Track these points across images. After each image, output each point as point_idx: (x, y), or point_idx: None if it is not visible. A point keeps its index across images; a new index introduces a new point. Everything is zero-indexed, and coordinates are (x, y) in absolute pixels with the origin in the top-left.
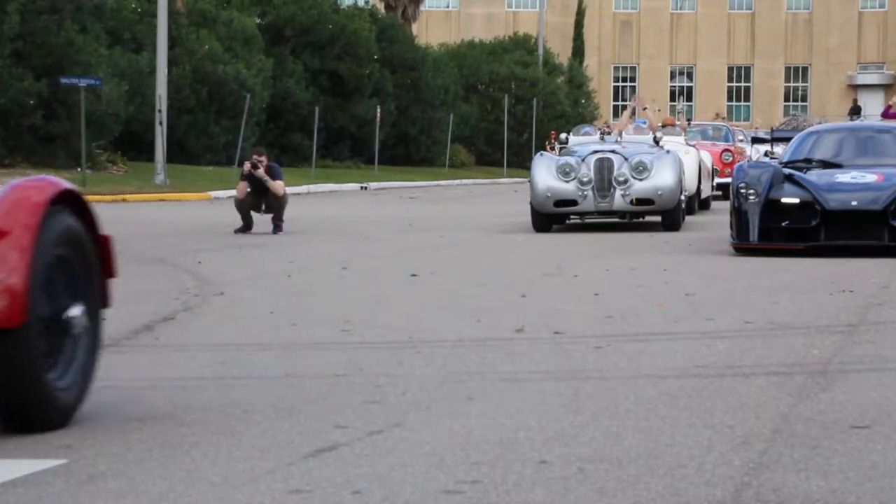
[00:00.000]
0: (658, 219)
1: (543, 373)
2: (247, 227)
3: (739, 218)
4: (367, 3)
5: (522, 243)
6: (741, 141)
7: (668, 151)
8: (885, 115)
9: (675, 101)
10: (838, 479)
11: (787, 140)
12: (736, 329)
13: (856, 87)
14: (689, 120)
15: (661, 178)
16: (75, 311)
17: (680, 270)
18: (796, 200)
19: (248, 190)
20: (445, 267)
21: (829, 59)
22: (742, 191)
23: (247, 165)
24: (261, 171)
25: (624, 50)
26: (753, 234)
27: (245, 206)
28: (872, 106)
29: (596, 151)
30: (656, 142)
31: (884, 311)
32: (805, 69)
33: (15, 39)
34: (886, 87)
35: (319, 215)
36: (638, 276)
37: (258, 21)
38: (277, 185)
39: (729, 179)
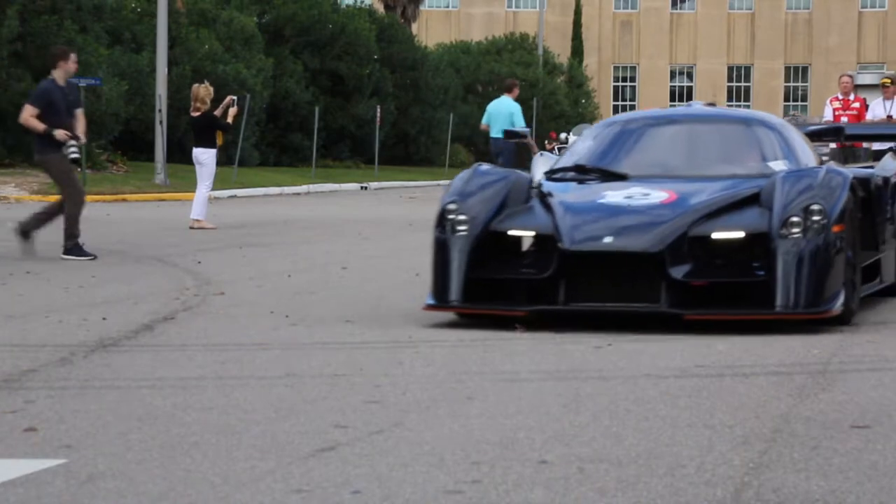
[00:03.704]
0: None
1: (543, 373)
2: None
3: (438, 262)
4: (363, 2)
5: None
6: None
7: None
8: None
9: (674, 101)
10: (838, 479)
11: None
12: (736, 329)
13: (856, 88)
14: None
15: None
16: None
17: None
18: (529, 234)
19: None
20: None
21: (829, 59)
22: (449, 216)
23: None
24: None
25: (624, 50)
26: (454, 289)
27: None
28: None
29: None
30: None
31: (884, 312)
32: (805, 69)
33: (14, 41)
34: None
35: (319, 215)
36: None
37: (257, 21)
38: None
39: None
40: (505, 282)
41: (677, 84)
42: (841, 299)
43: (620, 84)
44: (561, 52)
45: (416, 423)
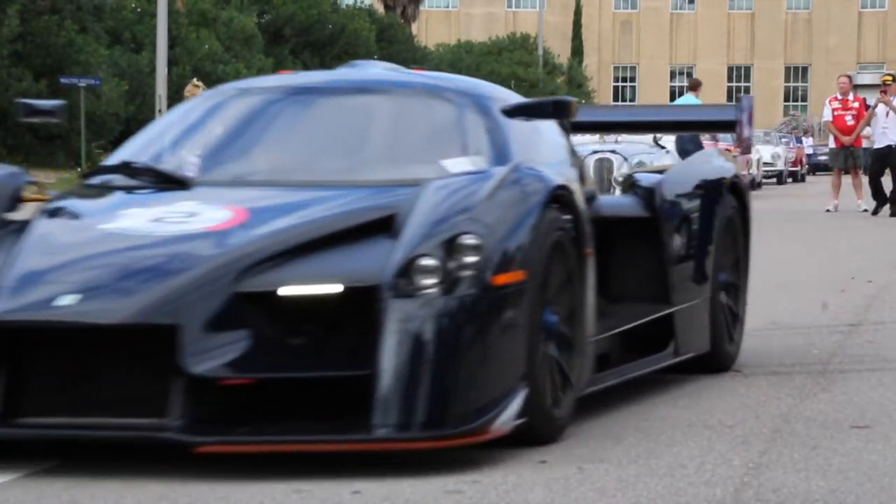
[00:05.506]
0: None
1: None
2: None
3: None
4: (363, 2)
5: None
6: None
7: (667, 151)
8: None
9: (673, 101)
10: (838, 479)
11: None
12: None
13: (855, 88)
14: None
15: None
16: None
17: None
18: None
19: None
20: None
21: (829, 58)
22: None
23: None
24: None
25: (624, 50)
26: None
27: None
28: None
29: (595, 151)
30: (656, 142)
31: (884, 311)
32: (805, 69)
33: (14, 40)
34: None
35: None
36: None
37: (257, 21)
38: None
39: None
40: None
41: (677, 84)
42: (514, 407)
43: (620, 84)
44: (561, 52)
45: None
